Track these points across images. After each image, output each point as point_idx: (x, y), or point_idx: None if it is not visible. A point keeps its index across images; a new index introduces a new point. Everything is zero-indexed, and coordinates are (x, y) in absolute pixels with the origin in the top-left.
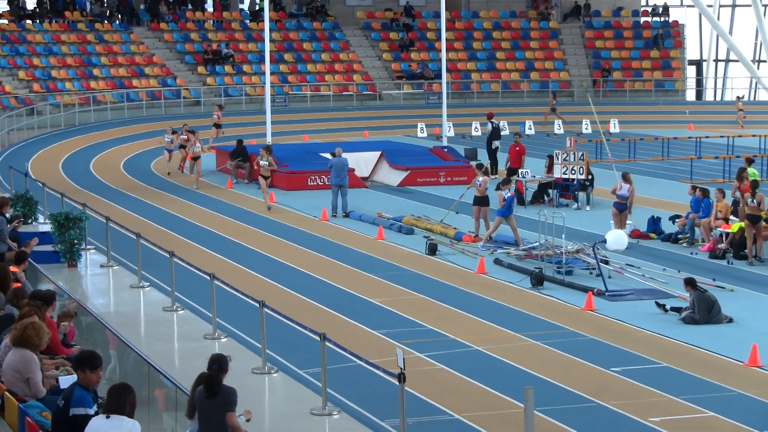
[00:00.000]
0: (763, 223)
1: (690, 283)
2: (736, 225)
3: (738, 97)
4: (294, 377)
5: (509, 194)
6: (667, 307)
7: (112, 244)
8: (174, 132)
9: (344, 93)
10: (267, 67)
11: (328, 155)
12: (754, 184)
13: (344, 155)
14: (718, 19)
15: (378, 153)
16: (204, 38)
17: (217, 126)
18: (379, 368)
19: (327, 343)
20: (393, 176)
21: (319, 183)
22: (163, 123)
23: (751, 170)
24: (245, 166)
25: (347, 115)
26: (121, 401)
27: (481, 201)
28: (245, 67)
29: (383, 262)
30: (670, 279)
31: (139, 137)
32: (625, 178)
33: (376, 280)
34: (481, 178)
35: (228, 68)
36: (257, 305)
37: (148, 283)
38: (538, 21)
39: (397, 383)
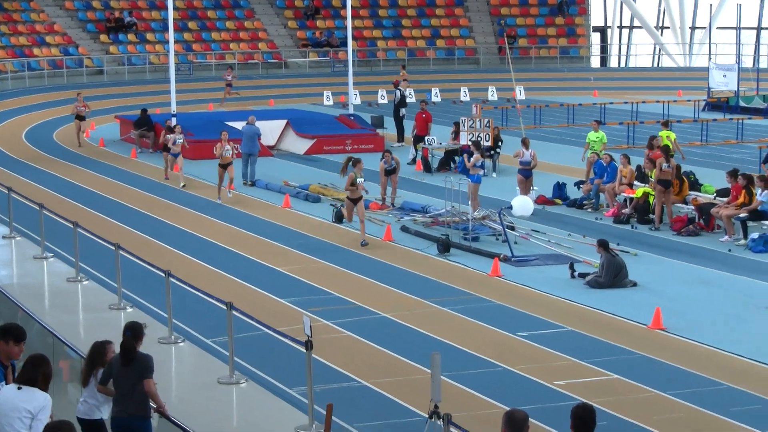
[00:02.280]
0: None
1: (603, 246)
2: (640, 190)
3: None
4: (201, 346)
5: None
6: (576, 273)
7: (15, 215)
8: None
9: (249, 61)
10: (171, 35)
11: (237, 124)
12: (666, 149)
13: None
14: None
15: (284, 121)
16: (106, 6)
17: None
18: (287, 336)
19: (234, 312)
20: (299, 144)
21: None
22: (65, 92)
23: (665, 133)
24: (149, 135)
25: (253, 84)
26: (35, 373)
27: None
28: (149, 36)
29: (290, 231)
30: (576, 244)
31: (41, 107)
32: (525, 143)
33: (283, 248)
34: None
35: (131, 36)
36: (163, 275)
37: (52, 254)
38: None
39: (305, 351)
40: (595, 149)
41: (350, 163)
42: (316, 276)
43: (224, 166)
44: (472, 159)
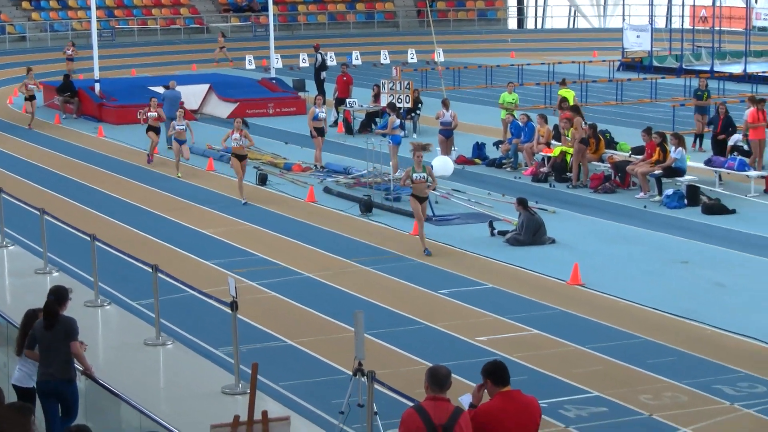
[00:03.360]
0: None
1: (522, 204)
2: (557, 149)
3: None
4: (127, 309)
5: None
6: (495, 231)
7: None
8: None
9: (171, 27)
10: (93, 1)
11: (160, 89)
12: (577, 109)
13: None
14: None
15: (207, 86)
16: None
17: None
18: (212, 297)
19: (159, 274)
20: (222, 108)
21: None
22: None
23: (563, 92)
24: (73, 101)
25: (175, 49)
26: None
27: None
28: (71, 2)
29: (214, 194)
30: (495, 203)
31: None
32: (445, 104)
33: (208, 211)
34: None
35: (53, 3)
36: (88, 239)
37: None
38: None
39: (230, 312)
40: (512, 111)
41: (414, 152)
42: (241, 238)
43: (240, 157)
44: (388, 121)
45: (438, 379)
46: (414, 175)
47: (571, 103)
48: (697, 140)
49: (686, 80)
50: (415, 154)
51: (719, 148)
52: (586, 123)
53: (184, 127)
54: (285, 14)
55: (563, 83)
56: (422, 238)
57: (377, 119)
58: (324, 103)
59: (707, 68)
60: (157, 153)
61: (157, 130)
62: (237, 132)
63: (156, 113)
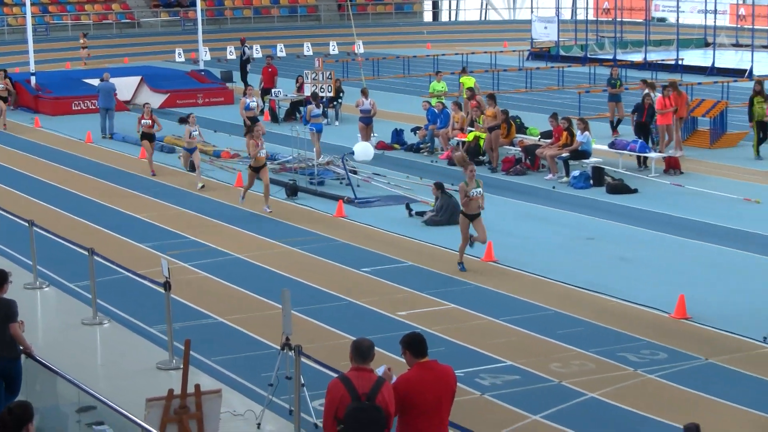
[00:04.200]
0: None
1: (439, 187)
2: (471, 134)
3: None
4: (65, 291)
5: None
6: (413, 212)
7: None
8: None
9: (104, 21)
10: None
11: (95, 81)
12: (493, 96)
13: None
14: None
15: (139, 78)
16: None
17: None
18: (146, 278)
19: (95, 257)
20: (154, 99)
21: (83, 107)
22: None
23: (464, 79)
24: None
25: (108, 43)
26: None
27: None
28: None
29: (147, 180)
30: (414, 185)
31: None
32: (365, 93)
33: (141, 196)
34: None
35: None
36: (26, 225)
37: None
38: None
39: (163, 291)
40: (440, 99)
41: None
42: (172, 221)
43: (257, 169)
44: (308, 109)
45: (361, 351)
46: (471, 191)
47: (471, 87)
48: (613, 125)
49: (591, 68)
50: (467, 168)
51: (643, 133)
52: (496, 108)
53: (197, 133)
54: (212, 9)
55: (464, 71)
56: (461, 253)
57: (301, 108)
58: (245, 93)
59: (610, 57)
60: (92, 142)
61: (151, 138)
62: (259, 140)
63: (150, 121)
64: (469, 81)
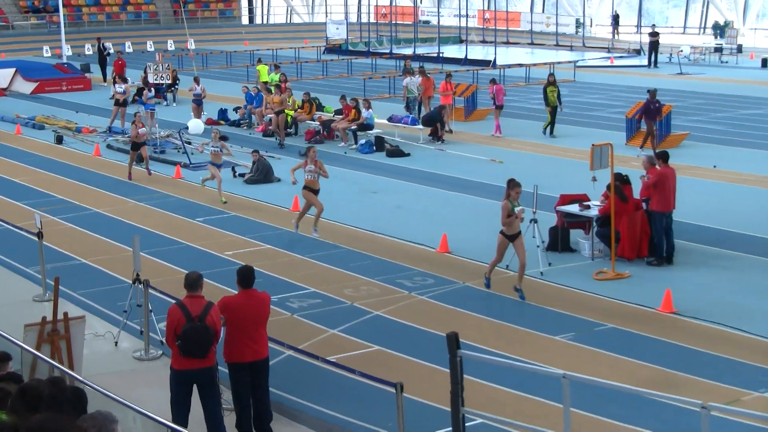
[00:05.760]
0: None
1: (255, 152)
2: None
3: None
4: None
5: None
6: (237, 174)
7: None
8: None
9: None
10: None
11: None
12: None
13: None
14: None
15: (13, 69)
16: None
17: None
18: (22, 229)
19: None
20: (26, 87)
21: None
22: None
23: (259, 67)
24: None
25: None
26: None
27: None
28: None
29: (21, 151)
30: (237, 153)
31: None
32: (196, 80)
33: (17, 164)
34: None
35: None
36: None
37: None
38: None
39: (37, 239)
40: (264, 79)
41: (509, 185)
42: (44, 184)
43: (136, 147)
44: (143, 94)
45: (190, 282)
46: (516, 209)
47: (264, 78)
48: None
49: (373, 60)
50: (514, 190)
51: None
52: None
53: (218, 149)
54: (72, 14)
55: (259, 61)
56: (520, 278)
57: (144, 92)
58: (115, 81)
59: (388, 51)
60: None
61: (137, 147)
62: (311, 163)
63: (145, 129)
64: (262, 69)
